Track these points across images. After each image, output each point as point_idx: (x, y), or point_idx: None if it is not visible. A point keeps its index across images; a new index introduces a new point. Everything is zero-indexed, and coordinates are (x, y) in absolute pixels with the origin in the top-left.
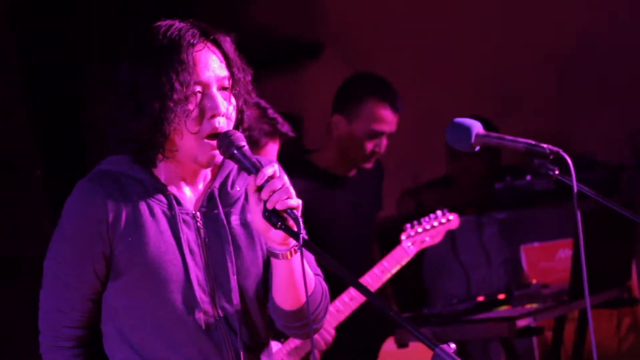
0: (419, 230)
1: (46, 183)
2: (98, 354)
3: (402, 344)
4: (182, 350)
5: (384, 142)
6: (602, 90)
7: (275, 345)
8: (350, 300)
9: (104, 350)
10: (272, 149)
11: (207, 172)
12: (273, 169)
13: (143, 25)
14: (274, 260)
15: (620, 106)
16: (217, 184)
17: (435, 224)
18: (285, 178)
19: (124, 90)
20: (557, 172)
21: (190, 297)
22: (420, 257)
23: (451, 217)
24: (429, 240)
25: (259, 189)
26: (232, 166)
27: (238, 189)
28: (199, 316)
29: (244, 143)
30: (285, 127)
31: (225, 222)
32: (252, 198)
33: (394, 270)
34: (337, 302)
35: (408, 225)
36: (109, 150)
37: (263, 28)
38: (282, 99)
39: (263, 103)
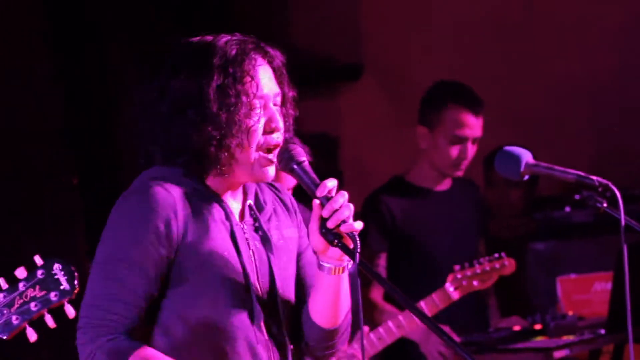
0: (468, 274)
1: (82, 190)
2: None
3: None
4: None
5: (470, 147)
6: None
7: None
8: (397, 327)
9: None
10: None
11: (241, 188)
12: (333, 182)
13: (195, 37)
14: (322, 276)
15: None
16: (251, 198)
17: (488, 268)
18: (346, 195)
19: (184, 101)
20: (605, 204)
21: (251, 308)
22: None
23: (507, 262)
24: (478, 284)
25: (321, 204)
26: (254, 184)
27: (268, 206)
28: (260, 325)
29: (304, 158)
30: None
31: (269, 234)
32: (314, 214)
33: (431, 314)
34: (381, 329)
35: (457, 267)
36: (155, 161)
37: (302, 48)
38: (319, 119)
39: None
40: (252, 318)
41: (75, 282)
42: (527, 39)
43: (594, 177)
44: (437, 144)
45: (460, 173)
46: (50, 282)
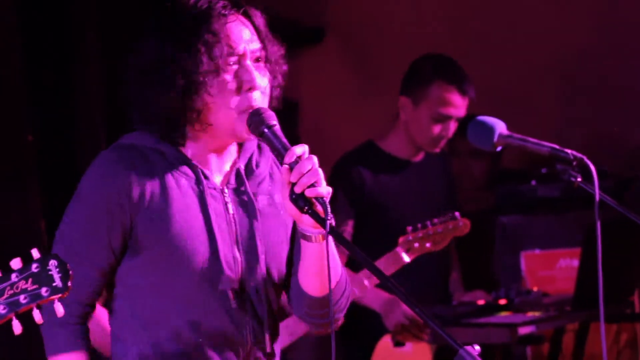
0: (420, 235)
1: (38, 149)
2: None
3: (398, 343)
4: (200, 329)
5: (452, 126)
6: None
7: None
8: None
9: (111, 328)
10: None
11: (233, 150)
12: (302, 148)
13: None
14: (305, 244)
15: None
16: (242, 163)
17: (441, 230)
18: (315, 160)
19: (153, 66)
20: (579, 179)
21: (217, 274)
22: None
23: (461, 223)
24: (431, 246)
25: (290, 169)
26: (254, 146)
27: (262, 169)
28: (227, 293)
29: (275, 122)
30: None
31: (253, 199)
32: (283, 180)
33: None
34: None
35: (409, 228)
36: (132, 128)
37: (263, 10)
38: None
39: None
40: (217, 287)
41: (69, 282)
42: (500, 16)
43: (569, 151)
44: (419, 118)
45: (437, 150)
46: (43, 277)
